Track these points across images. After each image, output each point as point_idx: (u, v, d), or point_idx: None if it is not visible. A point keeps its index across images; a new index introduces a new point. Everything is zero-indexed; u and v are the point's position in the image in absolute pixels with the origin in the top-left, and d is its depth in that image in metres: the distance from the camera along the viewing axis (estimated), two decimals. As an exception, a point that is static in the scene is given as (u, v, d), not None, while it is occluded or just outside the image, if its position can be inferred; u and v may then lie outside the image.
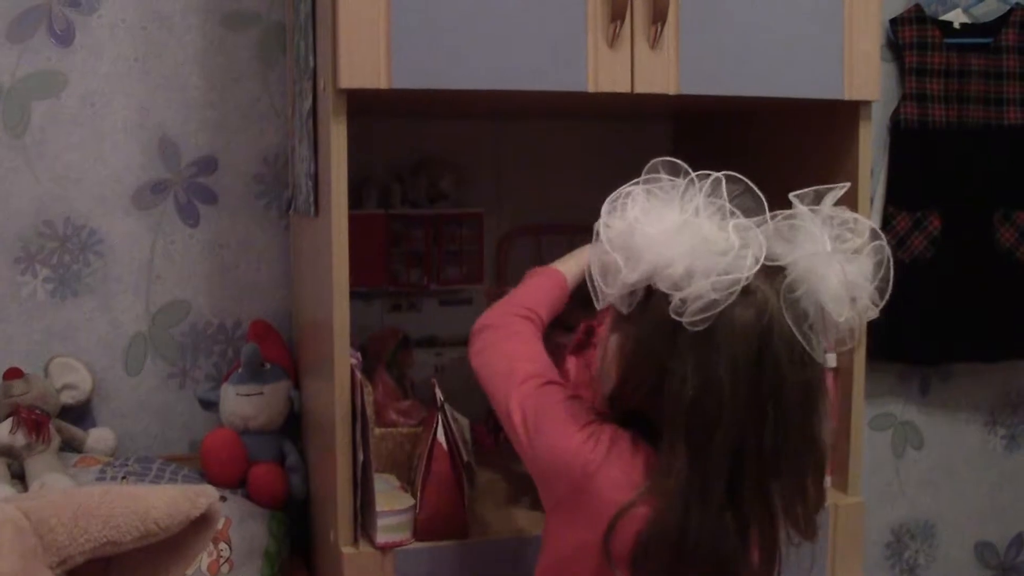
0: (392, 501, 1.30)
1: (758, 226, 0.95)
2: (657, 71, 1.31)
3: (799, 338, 0.92)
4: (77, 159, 1.72)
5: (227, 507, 1.54)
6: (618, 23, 1.27)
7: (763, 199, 0.97)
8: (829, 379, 1.44)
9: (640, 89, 1.31)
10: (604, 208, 1.00)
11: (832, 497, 1.45)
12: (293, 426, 1.74)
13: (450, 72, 1.24)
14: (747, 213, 0.96)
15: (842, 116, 1.44)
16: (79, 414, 1.72)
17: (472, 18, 1.24)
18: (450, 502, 1.30)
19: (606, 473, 0.97)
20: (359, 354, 1.38)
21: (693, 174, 0.97)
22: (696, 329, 0.91)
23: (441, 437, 1.30)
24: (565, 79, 1.28)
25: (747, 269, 0.91)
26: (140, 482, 1.56)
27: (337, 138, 1.24)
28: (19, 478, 1.54)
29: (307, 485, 1.68)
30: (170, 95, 1.75)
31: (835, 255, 0.96)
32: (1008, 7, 2.05)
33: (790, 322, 0.92)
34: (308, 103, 1.41)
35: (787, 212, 0.98)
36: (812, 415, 0.95)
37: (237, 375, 1.69)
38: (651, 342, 0.95)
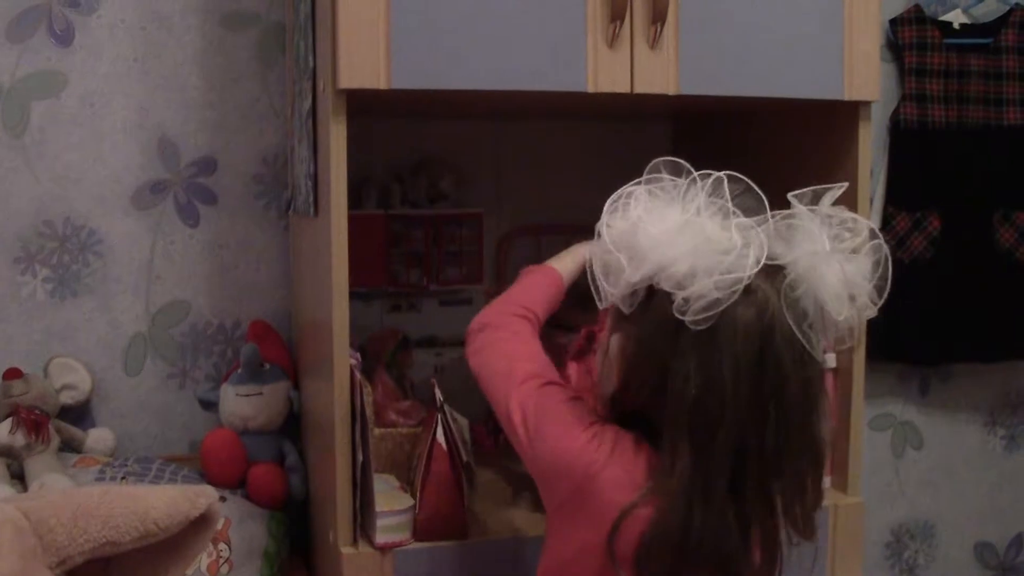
0: (391, 501, 1.30)
1: (759, 225, 0.96)
2: (657, 71, 1.31)
3: (799, 337, 0.93)
4: (77, 159, 1.72)
5: (226, 507, 1.54)
6: (618, 23, 1.27)
7: (764, 198, 0.97)
8: (829, 379, 1.44)
9: (640, 89, 1.31)
10: (606, 208, 1.00)
11: (832, 497, 1.45)
12: (292, 426, 1.74)
13: (450, 72, 1.24)
14: (747, 213, 0.96)
15: (842, 116, 1.44)
16: (78, 414, 1.72)
17: (472, 18, 1.24)
18: (449, 502, 1.30)
19: (609, 474, 0.97)
20: (359, 354, 1.38)
21: (695, 173, 0.98)
22: (699, 328, 0.91)
23: (441, 437, 1.30)
24: (565, 79, 1.28)
25: (749, 268, 0.91)
26: (139, 482, 1.56)
27: (337, 138, 1.24)
28: (19, 478, 1.54)
29: (306, 485, 1.68)
30: (169, 95, 1.75)
31: (834, 254, 0.97)
32: (1008, 7, 2.05)
33: (791, 321, 0.93)
34: (308, 103, 1.41)
35: (786, 212, 0.99)
36: (812, 414, 0.96)
37: (236, 375, 1.69)
38: (653, 341, 0.95)
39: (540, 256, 1.28)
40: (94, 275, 1.74)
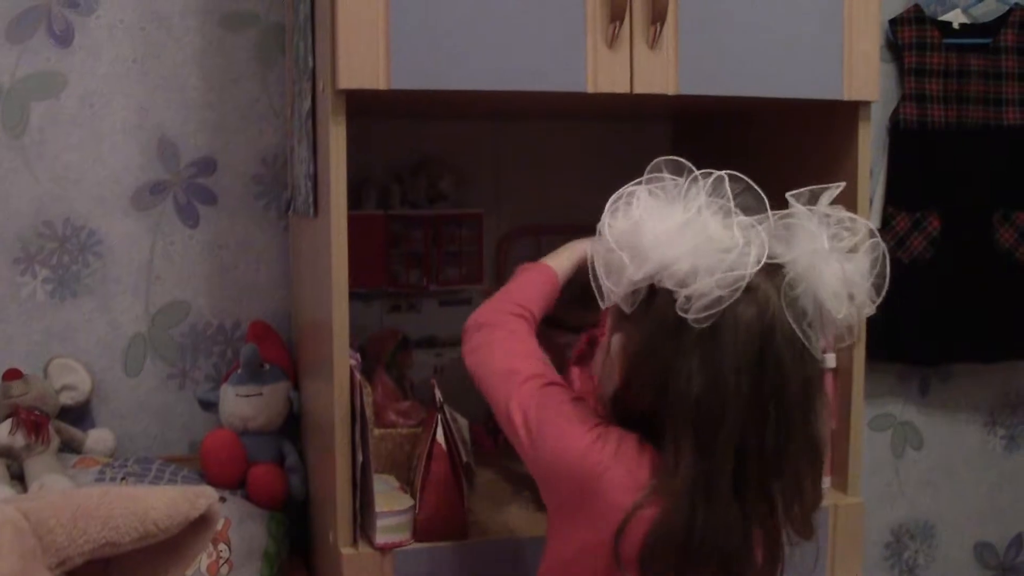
0: (391, 502, 1.30)
1: (758, 224, 0.96)
2: (656, 71, 1.31)
3: (800, 336, 0.93)
4: (76, 160, 1.72)
5: (226, 508, 1.54)
6: (617, 23, 1.27)
7: (764, 197, 0.98)
8: (829, 379, 1.44)
9: (639, 89, 1.31)
10: (607, 207, 1.00)
11: (832, 497, 1.45)
12: (292, 427, 1.74)
13: (449, 73, 1.24)
14: (747, 212, 0.97)
15: (841, 116, 1.44)
16: (78, 415, 1.72)
17: (471, 19, 1.24)
18: (449, 503, 1.30)
19: (613, 476, 0.97)
20: (358, 355, 1.38)
21: (696, 172, 0.98)
22: (701, 326, 0.91)
23: (440, 438, 1.30)
24: (564, 80, 1.28)
25: (750, 266, 0.91)
26: (139, 483, 1.56)
27: (336, 139, 1.24)
28: (18, 479, 1.54)
29: (306, 486, 1.68)
30: (169, 96, 1.75)
31: (833, 253, 0.97)
32: (1007, 7, 2.05)
33: (791, 320, 0.93)
34: (307, 104, 1.41)
35: (784, 211, 0.99)
36: (811, 413, 0.96)
37: (236, 376, 1.69)
38: (655, 340, 0.95)
39: (540, 256, 1.28)
40: (94, 276, 1.74)
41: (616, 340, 1.02)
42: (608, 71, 1.29)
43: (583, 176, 1.75)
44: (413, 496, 1.32)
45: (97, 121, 1.72)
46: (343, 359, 1.27)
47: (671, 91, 1.32)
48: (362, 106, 1.29)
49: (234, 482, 1.63)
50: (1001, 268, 2.04)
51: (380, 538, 1.27)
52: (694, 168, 0.99)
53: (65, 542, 0.85)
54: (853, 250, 0.99)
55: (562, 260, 1.26)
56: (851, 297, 0.98)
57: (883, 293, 1.01)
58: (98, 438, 1.69)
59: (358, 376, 1.28)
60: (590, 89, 1.29)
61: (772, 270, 0.95)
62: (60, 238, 1.72)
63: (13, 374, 1.63)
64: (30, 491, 1.48)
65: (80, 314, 1.74)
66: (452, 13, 1.23)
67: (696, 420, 0.92)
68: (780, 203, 1.00)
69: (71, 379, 1.69)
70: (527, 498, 1.47)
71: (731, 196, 0.96)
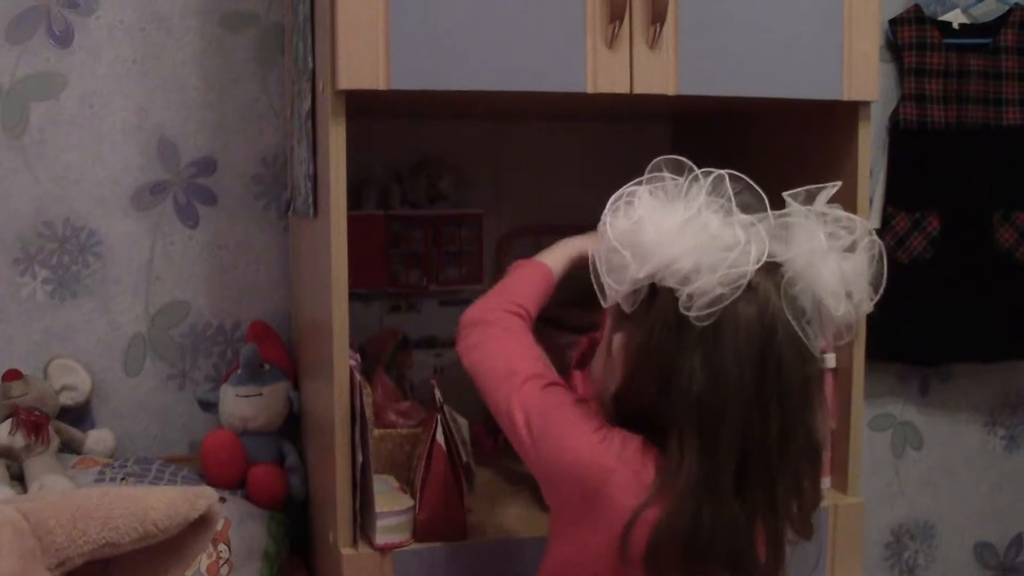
0: (391, 502, 1.29)
1: (759, 222, 0.97)
2: (656, 72, 1.31)
3: (800, 334, 0.94)
4: (76, 160, 1.72)
5: (226, 508, 1.54)
6: (617, 24, 1.27)
7: (763, 196, 0.98)
8: (829, 379, 1.44)
9: (639, 90, 1.31)
10: (608, 207, 1.00)
11: (832, 497, 1.45)
12: (292, 427, 1.74)
13: (449, 73, 1.24)
14: (746, 210, 0.98)
15: (841, 116, 1.44)
16: (78, 415, 1.72)
17: (471, 19, 1.24)
18: (449, 503, 1.30)
19: (619, 478, 0.96)
20: (358, 355, 1.38)
21: (697, 170, 0.98)
22: (702, 324, 0.92)
23: (440, 438, 1.30)
24: (564, 80, 1.28)
25: (752, 263, 0.92)
26: (139, 483, 1.56)
27: (336, 139, 1.24)
28: (18, 479, 1.54)
29: (306, 486, 1.68)
30: (169, 96, 1.75)
31: (831, 252, 0.98)
32: (1007, 7, 2.05)
33: (791, 318, 0.94)
34: (307, 104, 1.41)
35: (781, 211, 1.00)
36: (809, 412, 0.97)
37: (236, 376, 1.69)
38: (657, 339, 0.96)
39: (539, 256, 1.28)
40: (93, 276, 1.74)
41: (617, 340, 1.02)
42: (608, 71, 1.29)
43: (583, 176, 1.75)
44: (413, 496, 1.32)
45: (97, 121, 1.72)
46: (343, 359, 1.27)
47: (671, 91, 1.32)
48: (362, 106, 1.29)
49: (234, 482, 1.62)
50: (1001, 268, 2.04)
51: (380, 538, 1.27)
52: (695, 167, 0.99)
53: (65, 543, 0.85)
54: (850, 249, 1.00)
55: (557, 257, 1.26)
56: (849, 295, 0.98)
57: (881, 291, 1.01)
58: (98, 438, 1.69)
59: (358, 376, 1.28)
60: (590, 89, 1.29)
61: (771, 269, 0.95)
62: (60, 238, 1.72)
63: (13, 374, 1.63)
64: (30, 492, 1.48)
65: (80, 314, 1.74)
66: (452, 13, 1.23)
67: (699, 418, 0.93)
68: (780, 203, 1.01)
69: (71, 379, 1.69)
70: (527, 498, 1.47)
71: (732, 194, 0.97)
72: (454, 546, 1.31)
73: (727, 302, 0.91)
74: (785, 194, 1.01)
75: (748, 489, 0.94)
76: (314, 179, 1.37)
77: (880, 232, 2.01)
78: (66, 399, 1.68)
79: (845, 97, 1.39)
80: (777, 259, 0.96)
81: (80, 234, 1.73)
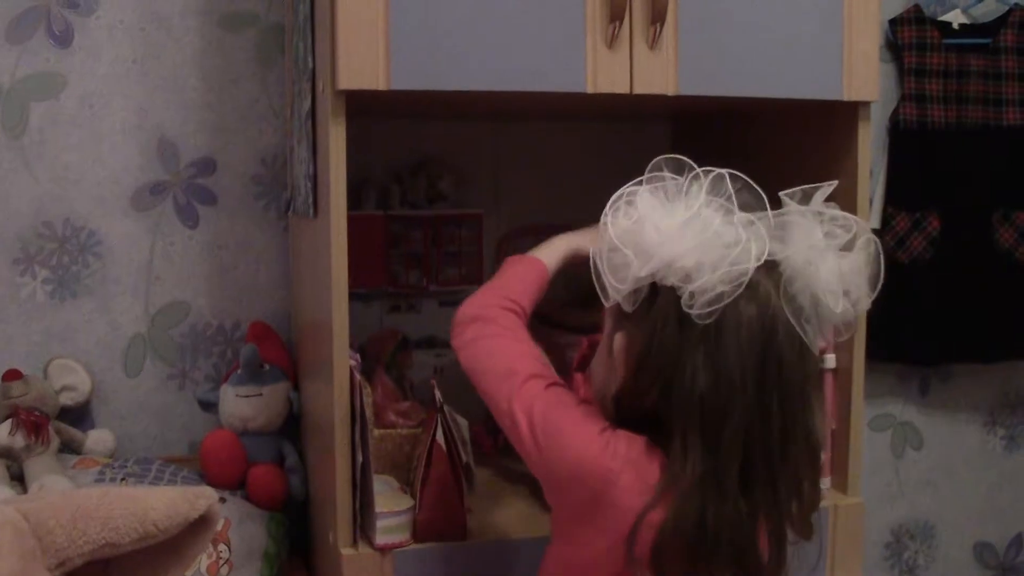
0: (391, 502, 1.29)
1: (758, 221, 0.97)
2: (656, 72, 1.31)
3: (799, 332, 0.94)
4: (76, 160, 1.72)
5: (226, 508, 1.54)
6: (617, 24, 1.27)
7: (762, 195, 0.99)
8: (828, 379, 1.44)
9: (639, 90, 1.31)
10: (609, 206, 1.00)
11: (832, 498, 1.45)
12: (292, 427, 1.74)
13: (449, 73, 1.24)
14: (745, 209, 0.98)
15: (841, 117, 1.44)
16: (78, 415, 1.72)
17: (471, 19, 1.24)
18: (449, 503, 1.30)
19: (625, 480, 0.96)
20: (358, 355, 1.38)
21: (697, 169, 0.99)
22: (704, 322, 0.92)
23: (440, 438, 1.30)
24: (564, 80, 1.28)
25: (752, 261, 0.93)
26: (139, 483, 1.56)
27: (336, 139, 1.24)
28: (18, 480, 1.54)
29: (306, 486, 1.68)
30: (168, 96, 1.75)
31: (828, 250, 0.98)
32: (1007, 7, 2.05)
33: (790, 316, 0.94)
34: (307, 104, 1.41)
35: (778, 210, 1.00)
36: (809, 409, 0.97)
37: (236, 376, 1.69)
38: (660, 338, 0.96)
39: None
40: (93, 276, 1.74)
41: (618, 340, 1.01)
42: (608, 71, 1.29)
43: (583, 176, 1.75)
44: (413, 497, 1.32)
45: (97, 121, 1.72)
46: (343, 359, 1.27)
47: (671, 91, 1.32)
48: (362, 106, 1.28)
49: (234, 482, 1.62)
50: (1001, 268, 2.04)
51: (380, 538, 1.27)
52: (695, 165, 0.99)
53: (65, 543, 0.85)
54: (847, 247, 1.00)
55: (552, 253, 1.25)
56: (847, 293, 0.99)
57: (878, 288, 1.02)
58: (98, 439, 1.69)
59: (358, 376, 1.28)
60: (590, 89, 1.29)
61: (770, 267, 0.96)
62: (60, 238, 1.72)
63: (13, 375, 1.63)
64: (30, 492, 1.48)
65: (80, 314, 1.74)
66: (452, 13, 1.23)
67: (701, 417, 0.93)
68: (779, 203, 1.01)
69: (71, 380, 1.69)
70: (527, 498, 1.47)
71: (732, 192, 0.97)
72: (454, 546, 1.31)
73: (729, 300, 0.92)
74: (782, 193, 1.01)
75: (751, 488, 0.95)
76: (314, 179, 1.37)
77: (880, 232, 2.01)
78: (66, 399, 1.68)
79: (845, 97, 1.39)
80: (775, 258, 0.96)
81: (80, 234, 1.73)
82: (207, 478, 1.62)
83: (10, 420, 1.56)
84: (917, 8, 2.02)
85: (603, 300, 1.00)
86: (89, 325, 1.75)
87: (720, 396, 0.93)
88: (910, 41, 2.01)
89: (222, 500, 1.53)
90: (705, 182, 0.98)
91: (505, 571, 1.32)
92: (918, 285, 2.01)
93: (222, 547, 1.52)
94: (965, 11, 2.06)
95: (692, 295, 0.93)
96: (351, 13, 1.20)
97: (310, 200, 1.40)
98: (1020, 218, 2.04)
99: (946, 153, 2.01)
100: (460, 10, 1.23)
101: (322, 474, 1.46)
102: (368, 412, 1.28)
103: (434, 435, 1.30)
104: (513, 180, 1.86)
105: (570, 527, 1.05)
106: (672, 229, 0.95)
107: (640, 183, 1.01)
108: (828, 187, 1.02)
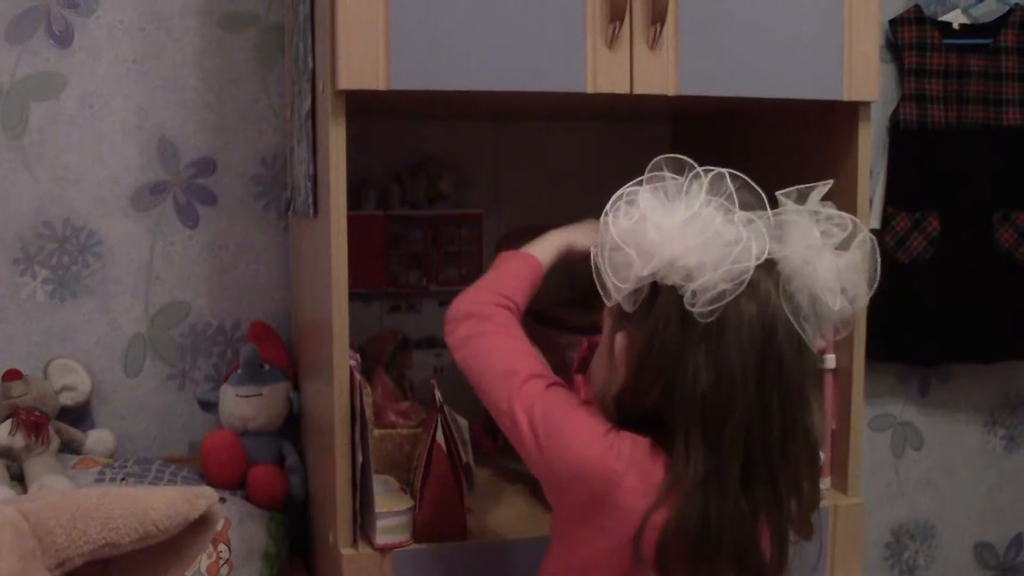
0: (391, 502, 1.29)
1: (757, 219, 0.98)
2: (656, 72, 1.31)
3: (798, 330, 0.95)
4: (76, 160, 1.72)
5: (226, 508, 1.54)
6: (617, 24, 1.27)
7: (762, 194, 0.99)
8: (828, 379, 1.44)
9: (639, 90, 1.31)
10: (609, 206, 1.01)
11: (832, 498, 1.45)
12: (292, 427, 1.74)
13: (449, 73, 1.24)
14: (744, 209, 0.98)
15: (841, 117, 1.44)
16: (78, 415, 1.72)
17: (471, 19, 1.24)
18: (449, 503, 1.30)
19: (630, 482, 0.96)
20: (358, 355, 1.38)
21: (698, 168, 0.99)
22: (706, 321, 0.93)
23: (440, 438, 1.30)
24: (564, 80, 1.28)
25: (753, 259, 0.93)
26: (139, 483, 1.56)
27: (336, 139, 1.24)
28: (18, 480, 1.54)
29: (306, 486, 1.68)
30: (168, 96, 1.75)
31: (825, 249, 0.99)
32: (1007, 8, 2.05)
33: (789, 315, 0.95)
34: (307, 104, 1.41)
35: (775, 210, 1.01)
36: (808, 408, 0.98)
37: (236, 376, 1.69)
38: (661, 337, 0.96)
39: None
40: (93, 276, 1.74)
41: (619, 340, 1.01)
42: (608, 71, 1.29)
43: (583, 176, 1.75)
44: (413, 497, 1.32)
45: (97, 121, 1.72)
46: (343, 359, 1.27)
47: (671, 92, 1.32)
48: (362, 106, 1.28)
49: (234, 482, 1.62)
50: (1001, 268, 2.04)
51: (380, 539, 1.27)
52: (695, 164, 1.00)
53: (65, 543, 0.85)
54: (844, 245, 1.01)
55: (545, 249, 1.23)
56: (844, 291, 0.99)
57: (875, 286, 1.03)
58: (98, 439, 1.69)
59: (358, 376, 1.28)
60: (590, 89, 1.29)
61: (768, 266, 0.96)
62: (60, 238, 1.72)
63: (13, 375, 1.63)
64: (30, 492, 1.48)
65: (80, 314, 1.74)
66: (452, 13, 1.23)
67: (704, 416, 0.94)
68: (777, 204, 1.01)
69: (71, 380, 1.69)
70: (527, 498, 1.47)
71: (733, 191, 0.97)
72: (454, 546, 1.31)
73: (730, 298, 0.92)
74: (778, 193, 1.02)
75: (752, 487, 0.95)
76: (314, 179, 1.37)
77: (880, 232, 2.01)
78: (66, 399, 1.68)
79: (845, 97, 1.39)
80: (773, 257, 0.97)
81: (80, 234, 1.73)
82: (207, 478, 1.62)
83: (10, 420, 1.56)
84: (917, 8, 2.02)
85: (605, 299, 1.00)
86: (89, 325, 1.75)
87: (722, 394, 0.93)
88: (910, 41, 2.01)
89: (222, 500, 1.53)
90: (705, 181, 0.98)
91: (505, 571, 1.32)
92: (918, 285, 2.01)
93: (222, 547, 1.52)
94: (965, 11, 2.06)
95: (694, 294, 0.93)
96: (351, 13, 1.20)
97: (310, 200, 1.40)
98: (1020, 218, 2.04)
99: (946, 153, 2.01)
100: (460, 10, 1.23)
101: (322, 474, 1.46)
102: (368, 412, 1.28)
103: (434, 435, 1.30)
104: (513, 180, 1.86)
105: (571, 527, 1.05)
106: (673, 228, 0.96)
107: (640, 183, 1.01)
108: (824, 186, 1.03)
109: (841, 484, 1.47)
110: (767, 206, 0.99)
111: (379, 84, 1.22)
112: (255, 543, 1.57)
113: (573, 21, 1.27)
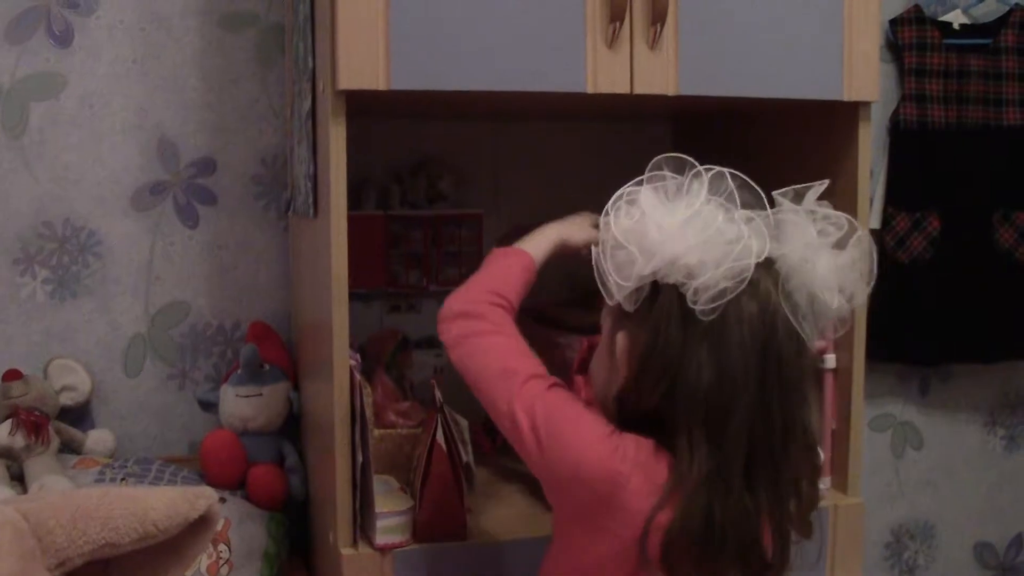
0: (391, 502, 1.29)
1: (756, 218, 0.98)
2: (656, 72, 1.31)
3: (797, 328, 0.96)
4: (76, 160, 1.72)
5: (226, 508, 1.54)
6: (617, 24, 1.27)
7: (761, 194, 1.00)
8: (828, 379, 1.45)
9: (639, 90, 1.31)
10: (610, 205, 1.01)
11: (832, 498, 1.45)
12: (292, 427, 1.74)
13: (449, 73, 1.24)
14: (744, 208, 0.99)
15: (841, 117, 1.44)
16: (78, 415, 1.72)
17: (471, 19, 1.24)
18: (449, 503, 1.30)
19: (635, 484, 0.96)
20: (358, 355, 1.37)
21: (698, 167, 0.99)
22: (707, 319, 0.93)
23: (440, 438, 1.30)
24: (564, 80, 1.28)
25: (754, 257, 0.94)
26: (139, 483, 1.56)
27: (336, 139, 1.24)
28: (18, 480, 1.54)
29: (306, 486, 1.68)
30: (168, 96, 1.75)
31: (822, 248, 1.00)
32: (1007, 8, 2.05)
33: (788, 313, 0.95)
34: (307, 104, 1.41)
35: (773, 209, 1.01)
36: (805, 405, 0.98)
37: (236, 376, 1.69)
38: (662, 336, 0.96)
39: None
40: (93, 276, 1.74)
41: (620, 340, 1.01)
42: (608, 71, 1.29)
43: (583, 176, 1.75)
44: (413, 497, 1.32)
45: (97, 121, 1.72)
46: (343, 359, 1.27)
47: (671, 91, 1.32)
48: (362, 106, 1.28)
49: (234, 482, 1.62)
50: (1001, 268, 2.04)
51: (380, 539, 1.27)
52: (696, 163, 1.00)
53: (65, 543, 0.85)
54: (840, 244, 1.01)
55: (538, 245, 1.21)
56: (842, 289, 1.00)
57: (872, 284, 1.03)
58: (98, 439, 1.69)
59: (358, 376, 1.28)
60: (590, 89, 1.29)
61: (767, 265, 0.97)
62: (60, 238, 1.72)
63: (13, 375, 1.63)
64: (30, 492, 1.48)
65: (80, 314, 1.74)
66: (452, 13, 1.23)
67: (706, 414, 0.94)
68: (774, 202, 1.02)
69: (71, 380, 1.69)
70: (527, 498, 1.47)
71: (733, 189, 0.98)
72: (454, 546, 1.31)
73: (731, 296, 0.93)
74: (775, 193, 1.02)
75: (754, 485, 0.95)
76: (314, 179, 1.37)
77: (880, 232, 2.01)
78: (66, 399, 1.68)
79: (845, 97, 1.39)
80: (772, 256, 0.97)
81: (80, 234, 1.73)
82: (207, 478, 1.62)
83: (10, 420, 1.56)
84: (917, 8, 2.02)
85: (606, 298, 1.00)
86: (89, 325, 1.75)
87: (724, 392, 0.93)
88: (910, 41, 2.01)
89: (222, 500, 1.53)
90: (705, 180, 0.98)
91: (505, 571, 1.32)
92: (918, 285, 2.01)
93: (222, 547, 1.52)
94: (965, 11, 2.06)
95: (696, 292, 0.94)
96: (351, 13, 1.20)
97: (310, 200, 1.40)
98: (1020, 218, 2.04)
99: (946, 153, 2.01)
100: (460, 10, 1.23)
101: (322, 474, 1.46)
102: (368, 412, 1.28)
103: (434, 435, 1.30)
104: (513, 180, 1.86)
105: (572, 528, 1.04)
106: (674, 227, 0.96)
107: (641, 182, 1.01)
108: (820, 186, 1.03)
109: (841, 484, 1.47)
110: (766, 206, 1.00)
111: (379, 84, 1.22)
112: (255, 543, 1.57)
113: (573, 21, 1.27)
